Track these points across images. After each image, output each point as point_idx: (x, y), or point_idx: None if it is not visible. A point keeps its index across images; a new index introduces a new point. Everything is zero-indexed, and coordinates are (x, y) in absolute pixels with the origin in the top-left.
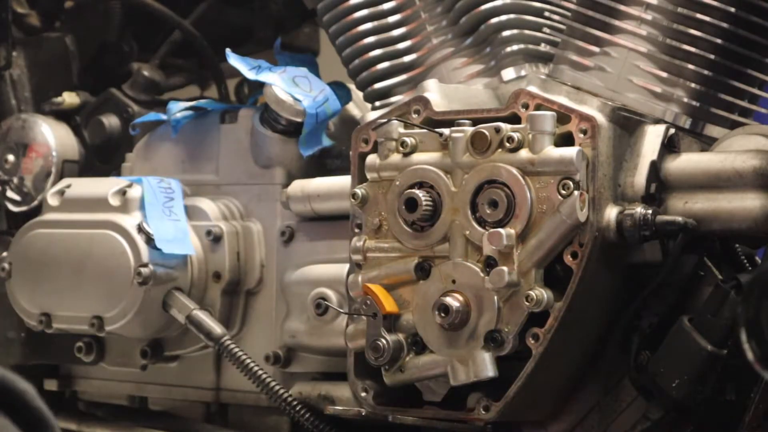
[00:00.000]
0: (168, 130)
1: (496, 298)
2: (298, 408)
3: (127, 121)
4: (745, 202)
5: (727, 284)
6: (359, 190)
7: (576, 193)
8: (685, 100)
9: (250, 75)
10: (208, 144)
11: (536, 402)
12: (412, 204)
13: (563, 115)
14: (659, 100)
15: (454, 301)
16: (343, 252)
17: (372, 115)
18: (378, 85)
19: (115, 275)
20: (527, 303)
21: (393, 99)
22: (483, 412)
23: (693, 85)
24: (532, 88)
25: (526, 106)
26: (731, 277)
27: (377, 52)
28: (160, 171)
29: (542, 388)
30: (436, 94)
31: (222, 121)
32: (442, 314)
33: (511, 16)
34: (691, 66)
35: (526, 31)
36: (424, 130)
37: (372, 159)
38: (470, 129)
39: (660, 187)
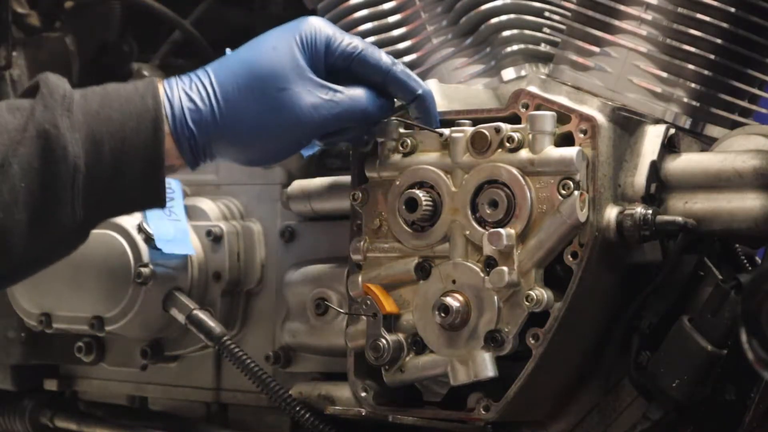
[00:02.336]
0: None
1: (496, 298)
2: (298, 408)
3: None
4: (745, 202)
5: (727, 284)
6: (359, 190)
7: (576, 193)
8: (685, 100)
9: None
10: None
11: (536, 402)
12: (412, 204)
13: (563, 115)
14: (659, 100)
15: (454, 301)
16: (343, 252)
17: None
18: None
19: (115, 275)
20: (527, 303)
21: None
22: (483, 412)
23: (693, 85)
24: (532, 88)
25: (526, 106)
26: (731, 277)
27: None
28: None
29: (542, 388)
30: (436, 94)
31: None
32: (442, 314)
33: (511, 16)
34: (691, 66)
35: (526, 31)
36: (424, 130)
37: (372, 159)
38: (470, 129)
39: (660, 187)
